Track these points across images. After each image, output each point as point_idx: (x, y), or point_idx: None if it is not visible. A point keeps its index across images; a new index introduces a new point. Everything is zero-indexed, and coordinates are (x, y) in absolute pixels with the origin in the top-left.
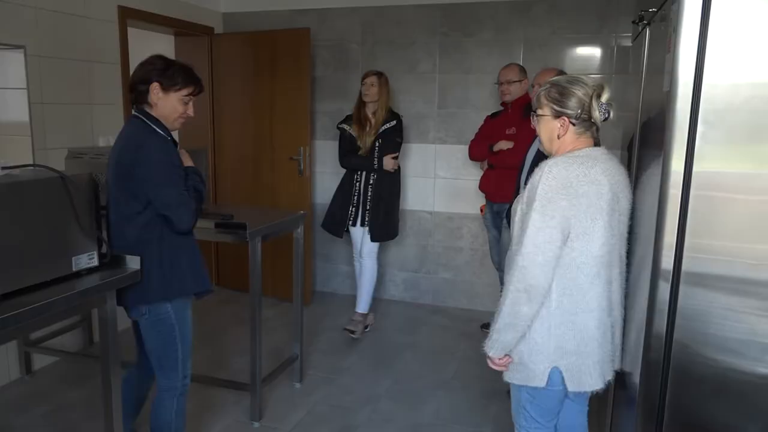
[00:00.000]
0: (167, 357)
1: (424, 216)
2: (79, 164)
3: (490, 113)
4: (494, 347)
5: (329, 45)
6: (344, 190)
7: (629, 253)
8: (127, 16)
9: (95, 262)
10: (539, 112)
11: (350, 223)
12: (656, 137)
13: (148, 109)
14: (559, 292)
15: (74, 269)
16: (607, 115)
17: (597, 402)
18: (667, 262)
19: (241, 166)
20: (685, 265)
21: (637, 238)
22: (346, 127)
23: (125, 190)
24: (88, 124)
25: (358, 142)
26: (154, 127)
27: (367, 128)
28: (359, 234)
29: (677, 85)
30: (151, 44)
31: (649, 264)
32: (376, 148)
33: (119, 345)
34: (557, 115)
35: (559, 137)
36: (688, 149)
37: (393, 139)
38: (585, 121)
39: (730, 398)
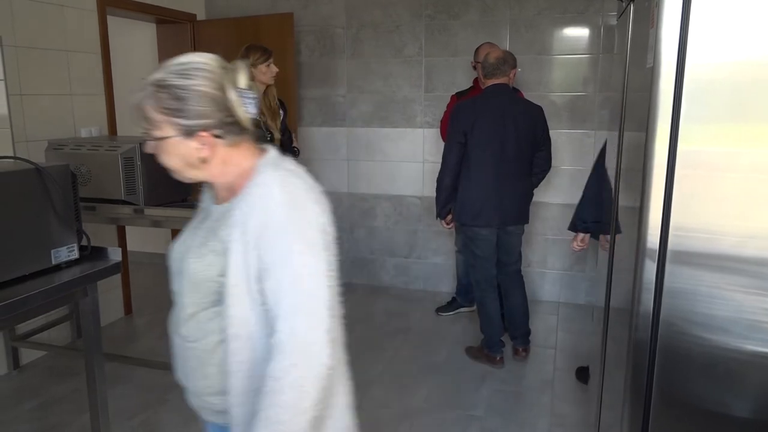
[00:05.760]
0: None
1: (414, 201)
2: (60, 156)
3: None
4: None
5: (314, 30)
6: None
7: (617, 233)
8: (107, 4)
9: (75, 255)
10: (157, 134)
11: None
12: (640, 115)
13: None
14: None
15: (54, 263)
16: (253, 108)
17: (586, 382)
18: (653, 241)
19: None
20: (671, 244)
21: (623, 217)
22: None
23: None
24: (69, 116)
25: (274, 134)
26: None
27: (272, 117)
28: None
29: (661, 61)
30: (132, 33)
31: (634, 243)
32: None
33: (102, 337)
34: (189, 133)
35: (205, 161)
36: (672, 126)
37: (287, 127)
38: (233, 125)
39: (718, 376)
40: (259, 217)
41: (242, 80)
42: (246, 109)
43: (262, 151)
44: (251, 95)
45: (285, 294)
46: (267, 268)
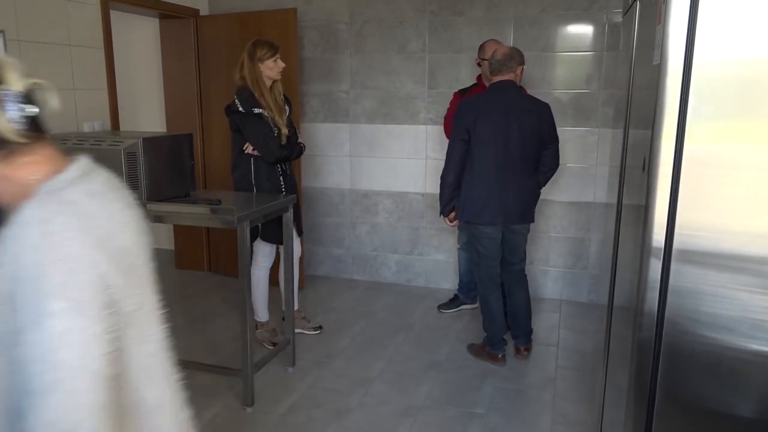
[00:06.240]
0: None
1: (416, 198)
2: (62, 150)
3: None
4: None
5: (317, 25)
6: (270, 189)
7: (619, 232)
8: None
9: None
10: None
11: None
12: (646, 113)
13: None
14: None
15: None
16: (16, 114)
17: (590, 381)
18: (658, 239)
19: (230, 150)
20: (677, 243)
21: (627, 215)
22: (266, 113)
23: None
24: (72, 110)
25: (282, 130)
26: None
27: (279, 112)
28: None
29: (668, 58)
30: (135, 28)
31: (639, 242)
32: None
33: None
34: None
35: None
36: (679, 124)
37: (292, 123)
38: None
39: (722, 375)
40: (9, 267)
41: (12, 78)
42: (7, 116)
43: (63, 164)
44: (17, 97)
45: (37, 367)
46: (20, 331)
